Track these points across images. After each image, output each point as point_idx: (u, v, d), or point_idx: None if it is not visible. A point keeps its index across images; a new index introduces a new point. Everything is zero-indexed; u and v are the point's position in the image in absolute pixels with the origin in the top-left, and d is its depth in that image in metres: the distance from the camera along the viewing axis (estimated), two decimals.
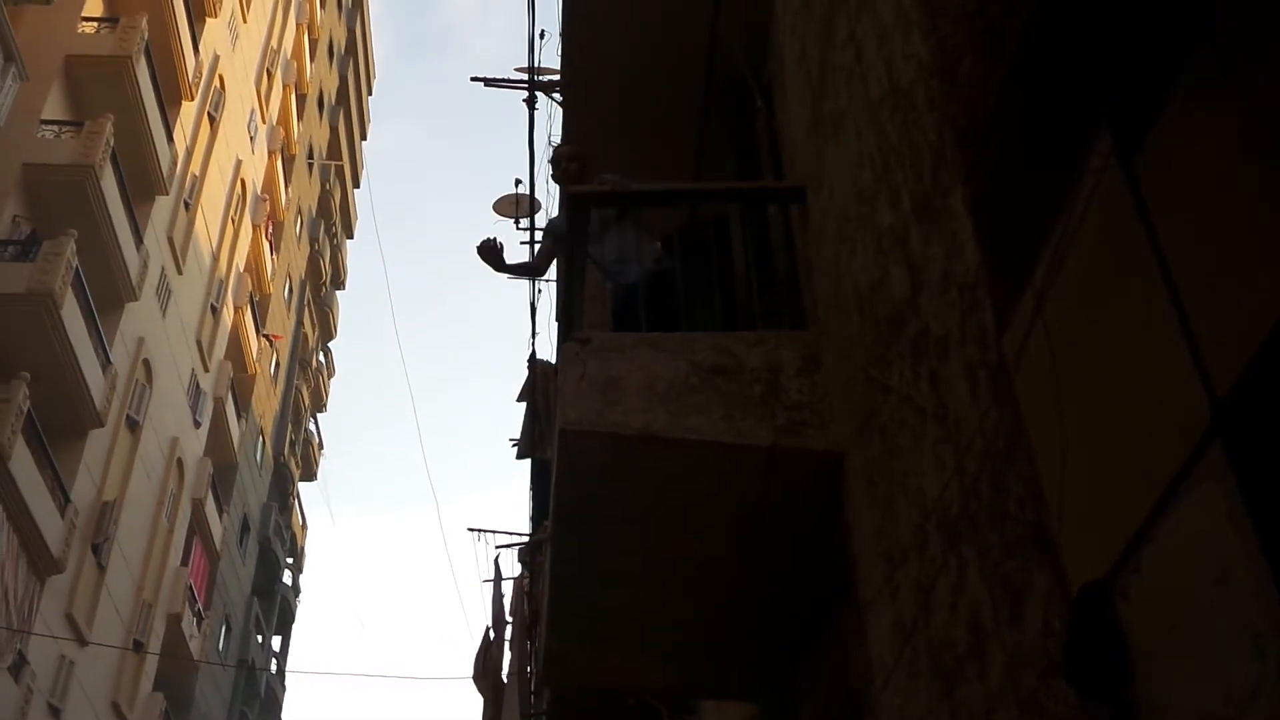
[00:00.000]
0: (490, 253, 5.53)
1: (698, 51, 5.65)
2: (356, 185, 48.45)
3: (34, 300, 17.86)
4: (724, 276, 4.99)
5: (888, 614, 3.21)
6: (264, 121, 33.17)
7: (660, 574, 4.51)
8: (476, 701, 14.61)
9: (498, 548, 16.74)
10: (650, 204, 5.61)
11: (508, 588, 14.89)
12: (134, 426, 23.04)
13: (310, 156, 40.15)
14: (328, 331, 45.70)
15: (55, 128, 20.19)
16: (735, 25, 5.49)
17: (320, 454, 45.86)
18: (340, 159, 44.50)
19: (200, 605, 27.37)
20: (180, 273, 25.78)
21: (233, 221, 30.10)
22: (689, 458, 3.93)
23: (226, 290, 29.76)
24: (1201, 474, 1.62)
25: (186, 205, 25.90)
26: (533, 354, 10.93)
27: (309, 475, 44.48)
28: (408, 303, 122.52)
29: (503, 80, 11.22)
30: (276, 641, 38.81)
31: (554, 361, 8.00)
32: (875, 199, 3.32)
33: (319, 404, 45.49)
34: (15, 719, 17.98)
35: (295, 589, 41.24)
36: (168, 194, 24.11)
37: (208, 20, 26.91)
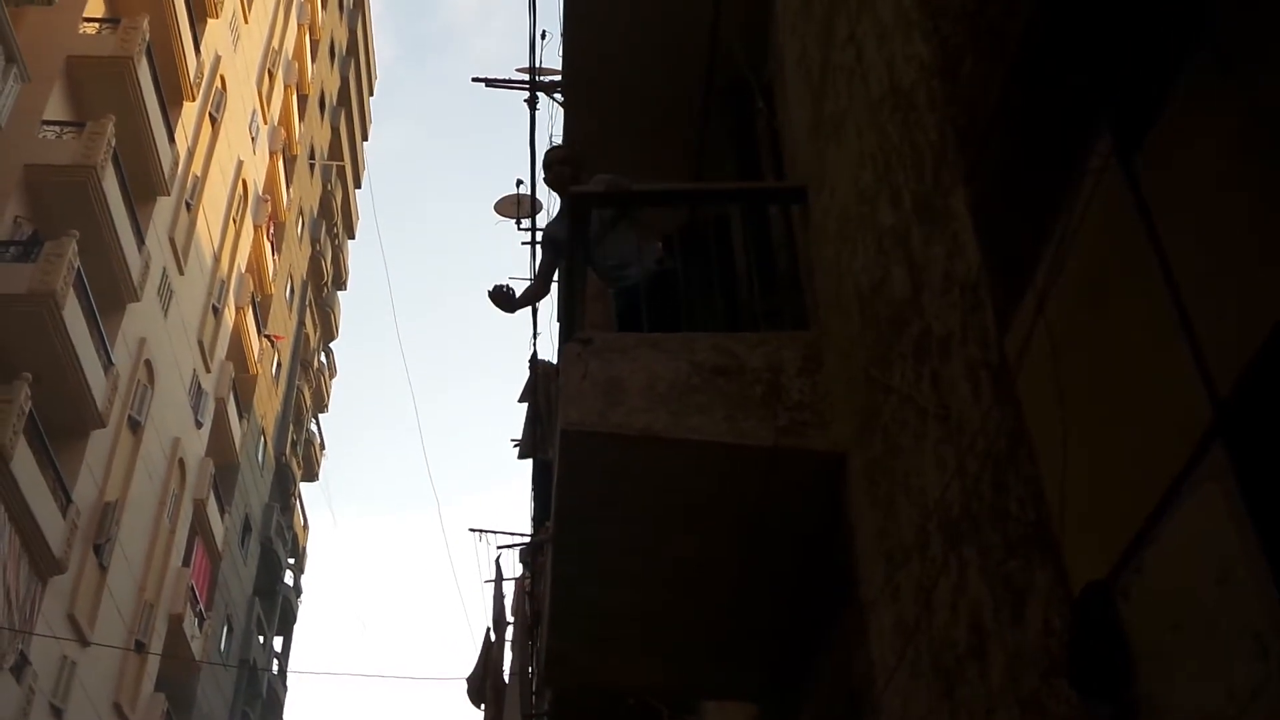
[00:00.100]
0: (502, 299, 5.64)
1: (698, 52, 5.65)
2: (358, 186, 48.52)
3: (36, 301, 17.87)
4: (725, 277, 4.99)
5: (889, 614, 3.21)
6: (265, 122, 33.19)
7: (661, 574, 4.51)
8: None
9: (499, 548, 16.74)
10: (650, 204, 5.62)
11: (509, 588, 14.89)
12: (136, 427, 23.06)
13: (311, 157, 40.18)
14: (329, 332, 45.73)
15: (57, 128, 20.21)
16: (735, 25, 5.49)
17: (322, 454, 45.91)
18: (341, 159, 44.53)
19: (202, 606, 27.40)
20: (182, 273, 25.80)
21: (234, 222, 30.12)
22: (690, 458, 3.93)
23: (228, 291, 29.78)
24: (1203, 474, 1.62)
25: (188, 206, 25.91)
26: (534, 354, 10.91)
27: (310, 476, 44.54)
28: (409, 303, 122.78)
29: (504, 81, 11.20)
30: (278, 642, 38.86)
31: (555, 362, 7.99)
32: (876, 199, 3.31)
33: (320, 404, 45.54)
34: (17, 719, 18.00)
35: (297, 589, 41.27)
36: (169, 194, 24.13)
37: (209, 21, 26.93)
